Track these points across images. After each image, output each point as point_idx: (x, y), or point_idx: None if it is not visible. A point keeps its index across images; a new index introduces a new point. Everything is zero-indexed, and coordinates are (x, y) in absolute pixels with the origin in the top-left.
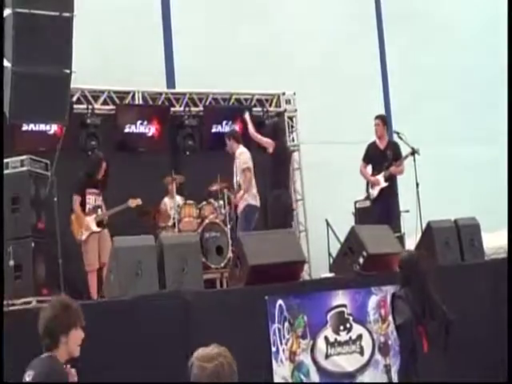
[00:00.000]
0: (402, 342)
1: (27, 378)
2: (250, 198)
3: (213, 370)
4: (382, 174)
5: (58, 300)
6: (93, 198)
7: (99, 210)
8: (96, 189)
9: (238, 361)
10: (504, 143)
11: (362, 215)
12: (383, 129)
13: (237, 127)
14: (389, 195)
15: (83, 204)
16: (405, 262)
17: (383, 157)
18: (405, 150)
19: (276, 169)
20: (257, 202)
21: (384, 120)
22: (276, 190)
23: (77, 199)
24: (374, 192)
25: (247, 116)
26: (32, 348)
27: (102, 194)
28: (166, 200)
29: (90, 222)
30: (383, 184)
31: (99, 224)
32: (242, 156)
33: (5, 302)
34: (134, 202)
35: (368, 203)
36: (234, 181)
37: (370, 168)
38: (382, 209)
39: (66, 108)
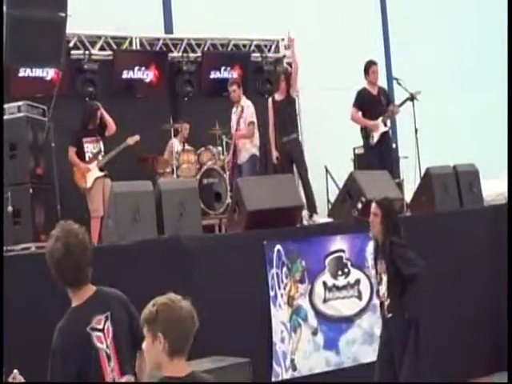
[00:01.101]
0: (413, 295)
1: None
2: (254, 148)
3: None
4: (381, 118)
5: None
6: (91, 146)
7: (100, 155)
8: (93, 137)
9: (237, 305)
10: (503, 89)
11: (360, 161)
12: (378, 76)
13: (235, 73)
14: (389, 140)
15: (82, 154)
16: (390, 207)
17: (376, 102)
18: (404, 96)
19: (293, 114)
20: (258, 153)
21: None
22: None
23: (72, 150)
24: (374, 138)
25: None
26: (30, 293)
27: (103, 141)
28: (174, 141)
29: (93, 168)
30: (384, 128)
31: (102, 170)
32: (250, 109)
33: (4, 248)
34: (132, 140)
35: (363, 150)
36: (234, 128)
37: (360, 114)
38: (381, 154)
39: (61, 51)
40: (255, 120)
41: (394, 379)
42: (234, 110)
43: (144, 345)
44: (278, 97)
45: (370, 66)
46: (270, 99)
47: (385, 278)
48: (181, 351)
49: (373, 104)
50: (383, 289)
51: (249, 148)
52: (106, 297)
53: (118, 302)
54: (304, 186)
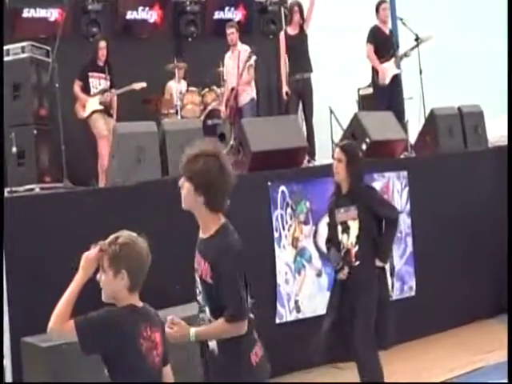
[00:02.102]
0: (392, 236)
1: None
2: (253, 92)
3: (143, 250)
4: (393, 60)
5: None
6: (97, 82)
7: (106, 93)
8: (101, 72)
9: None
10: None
11: (365, 103)
12: (388, 13)
13: (239, 14)
14: (399, 82)
15: (87, 89)
16: (355, 152)
17: (388, 42)
18: (409, 37)
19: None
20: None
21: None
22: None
23: (77, 84)
24: (387, 79)
25: None
26: (32, 234)
27: (111, 80)
28: (172, 83)
29: (92, 100)
30: (396, 70)
31: (103, 106)
32: (248, 53)
33: (8, 189)
34: (138, 85)
35: (371, 90)
36: (233, 72)
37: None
38: (391, 96)
39: None
40: (254, 63)
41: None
42: (229, 54)
43: (103, 278)
44: (291, 31)
45: (380, 4)
46: (282, 33)
47: (354, 225)
48: (138, 286)
49: (385, 42)
50: (351, 237)
51: (249, 91)
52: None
53: None
54: (307, 129)
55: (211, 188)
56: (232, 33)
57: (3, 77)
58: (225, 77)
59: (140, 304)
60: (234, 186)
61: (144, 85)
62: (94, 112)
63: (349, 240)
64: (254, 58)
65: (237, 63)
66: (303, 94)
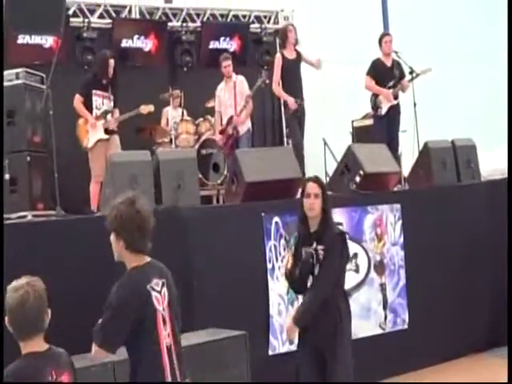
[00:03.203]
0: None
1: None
2: (249, 122)
3: (18, 299)
4: (391, 91)
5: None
6: (100, 101)
7: (108, 115)
8: (104, 91)
9: (234, 278)
10: (503, 64)
11: (359, 134)
12: (391, 46)
13: (234, 44)
14: (396, 113)
15: (89, 107)
16: (325, 186)
17: (390, 74)
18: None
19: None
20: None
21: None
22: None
23: (78, 98)
24: (384, 109)
25: None
26: (25, 262)
27: (114, 100)
28: (168, 109)
29: (98, 127)
30: (393, 101)
31: (107, 131)
32: (245, 84)
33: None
34: (145, 109)
35: (366, 122)
36: (229, 103)
37: (373, 83)
38: (387, 126)
39: (61, 20)
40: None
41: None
42: (222, 85)
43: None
44: (288, 55)
45: (383, 37)
46: (279, 55)
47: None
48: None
49: (385, 75)
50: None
51: (246, 121)
52: (160, 266)
53: (169, 275)
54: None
55: (127, 231)
56: (228, 65)
57: (3, 104)
58: (217, 107)
59: (44, 347)
60: (153, 227)
61: (152, 109)
62: (97, 142)
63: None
64: (267, 81)
65: (233, 94)
66: (300, 120)
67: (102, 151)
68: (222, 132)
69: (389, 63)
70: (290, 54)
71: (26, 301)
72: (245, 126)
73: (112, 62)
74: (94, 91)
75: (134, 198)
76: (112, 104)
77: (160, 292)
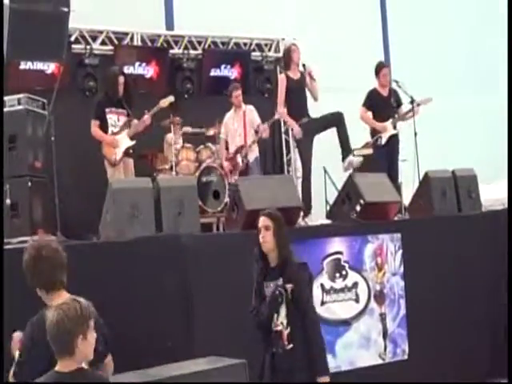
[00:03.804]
0: (320, 340)
1: None
2: (257, 150)
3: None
4: (390, 121)
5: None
6: (115, 118)
7: (134, 121)
8: (118, 108)
9: (234, 305)
10: (503, 94)
11: (365, 162)
12: (389, 79)
13: (235, 72)
14: (396, 142)
15: (105, 127)
16: (281, 220)
17: (386, 104)
18: (404, 99)
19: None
20: None
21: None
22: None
23: (94, 124)
24: (383, 139)
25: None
26: (25, 288)
27: (129, 114)
28: (171, 135)
29: (122, 138)
30: (393, 131)
31: (133, 138)
32: (255, 113)
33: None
34: (165, 102)
35: (365, 151)
36: (239, 131)
37: (370, 115)
38: (387, 156)
39: (63, 47)
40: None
41: None
42: (231, 114)
43: None
44: (293, 75)
45: (380, 69)
46: (283, 77)
47: (283, 304)
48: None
49: (382, 105)
50: (281, 316)
51: (255, 150)
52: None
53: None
54: (303, 181)
55: (33, 275)
56: (239, 95)
57: (3, 129)
58: (222, 134)
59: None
60: (60, 264)
61: (172, 99)
62: (126, 152)
63: (279, 319)
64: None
65: (242, 123)
66: (311, 134)
67: (120, 173)
68: (229, 159)
69: (385, 93)
70: (295, 75)
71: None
72: (253, 154)
73: (122, 78)
74: (107, 110)
75: (35, 244)
76: (127, 119)
77: None
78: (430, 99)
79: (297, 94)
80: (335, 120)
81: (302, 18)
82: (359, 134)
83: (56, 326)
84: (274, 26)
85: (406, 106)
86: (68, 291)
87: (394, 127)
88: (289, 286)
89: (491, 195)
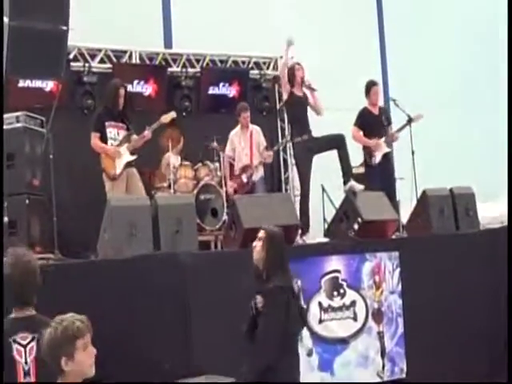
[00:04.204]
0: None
1: None
2: (262, 169)
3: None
4: (383, 139)
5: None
6: (115, 131)
7: (133, 136)
8: (118, 122)
9: (232, 324)
10: (501, 113)
11: (357, 181)
12: (379, 97)
13: (234, 90)
14: (389, 160)
15: (105, 140)
16: (277, 237)
17: (377, 122)
18: (401, 117)
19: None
20: None
21: None
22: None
23: (95, 137)
24: (377, 157)
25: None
26: None
27: (128, 128)
28: (169, 154)
29: (123, 152)
30: (386, 149)
31: (133, 154)
32: (261, 135)
33: None
34: (167, 118)
35: (362, 170)
36: (245, 151)
37: (360, 134)
38: (382, 175)
39: (62, 65)
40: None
41: None
42: (238, 132)
43: None
44: (298, 92)
45: (371, 87)
46: (288, 94)
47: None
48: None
49: (374, 124)
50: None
51: (260, 168)
52: (40, 322)
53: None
54: (301, 199)
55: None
56: (248, 116)
57: (3, 147)
58: (228, 152)
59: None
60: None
61: (174, 115)
62: (126, 165)
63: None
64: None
65: (249, 144)
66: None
67: (123, 184)
68: (234, 179)
69: (376, 111)
70: (299, 91)
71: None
72: (259, 174)
73: (122, 91)
74: (107, 123)
75: (17, 256)
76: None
77: (25, 346)
78: (421, 116)
79: (300, 110)
80: (336, 142)
81: (299, 36)
82: (359, 153)
83: (40, 353)
84: (272, 45)
85: (395, 126)
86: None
87: (388, 145)
88: (259, 301)
89: (489, 213)
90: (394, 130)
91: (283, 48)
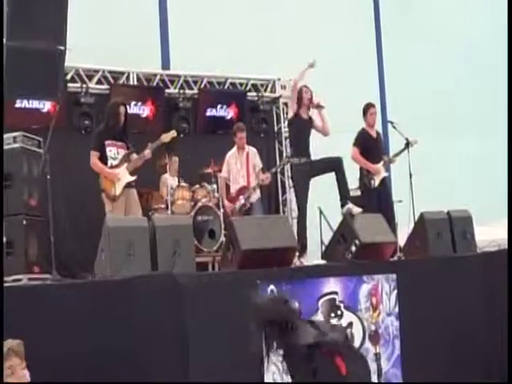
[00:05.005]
0: None
1: None
2: (259, 190)
3: None
4: (382, 163)
5: None
6: (114, 150)
7: (132, 155)
8: (118, 140)
9: (230, 345)
10: (499, 136)
11: (355, 204)
12: (376, 118)
13: (231, 112)
14: (387, 184)
15: (104, 159)
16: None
17: (376, 145)
18: (398, 140)
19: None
20: None
21: None
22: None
23: (94, 156)
24: (376, 181)
25: None
26: (19, 325)
27: (128, 147)
28: (167, 176)
29: (122, 173)
30: (385, 174)
31: (132, 174)
32: (257, 156)
33: None
34: (167, 137)
35: (359, 192)
36: (242, 172)
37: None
38: (380, 198)
39: (59, 85)
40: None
41: None
42: (234, 153)
43: None
44: (304, 114)
45: (368, 109)
46: (293, 115)
47: None
48: None
49: (372, 146)
50: None
51: (257, 190)
52: None
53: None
54: (299, 221)
55: None
56: (244, 137)
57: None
58: (224, 173)
59: None
60: None
61: (174, 134)
62: (124, 188)
63: None
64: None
65: (246, 165)
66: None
67: (123, 204)
68: (231, 200)
69: (374, 134)
70: (305, 114)
71: None
72: (256, 195)
73: (123, 109)
74: (107, 142)
75: None
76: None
77: None
78: (417, 141)
79: (302, 132)
80: (334, 165)
81: (297, 58)
82: (351, 175)
83: None
84: (269, 67)
85: (392, 148)
86: None
87: (386, 169)
88: None
89: (486, 236)
90: (392, 155)
91: (300, 67)
